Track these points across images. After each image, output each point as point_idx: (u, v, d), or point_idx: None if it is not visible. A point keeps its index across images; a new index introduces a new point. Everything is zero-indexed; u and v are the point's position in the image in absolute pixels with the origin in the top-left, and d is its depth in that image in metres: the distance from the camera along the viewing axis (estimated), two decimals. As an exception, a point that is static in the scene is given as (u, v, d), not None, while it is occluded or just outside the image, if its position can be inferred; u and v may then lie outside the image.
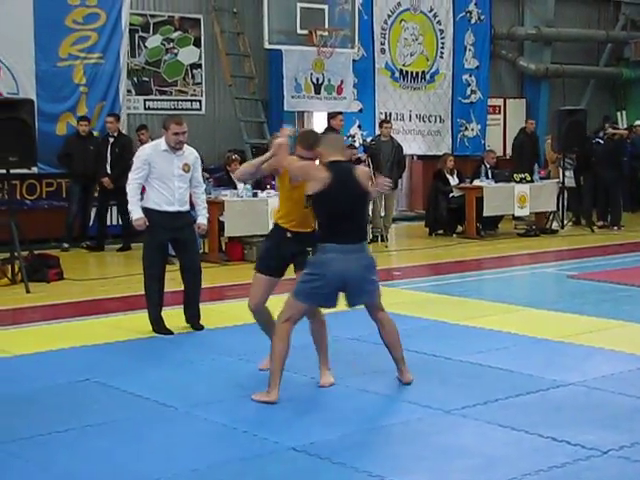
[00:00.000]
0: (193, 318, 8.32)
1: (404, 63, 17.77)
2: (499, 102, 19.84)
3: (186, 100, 15.52)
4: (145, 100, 15.11)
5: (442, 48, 18.24)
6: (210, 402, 5.95)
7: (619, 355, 7.07)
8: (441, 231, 15.50)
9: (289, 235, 6.34)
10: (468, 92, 18.64)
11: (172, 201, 7.95)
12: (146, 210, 7.95)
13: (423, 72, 18.04)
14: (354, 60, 16.49)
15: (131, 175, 8.00)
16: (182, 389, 6.28)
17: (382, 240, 14.55)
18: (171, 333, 8.04)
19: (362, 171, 6.20)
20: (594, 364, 6.83)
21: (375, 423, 5.53)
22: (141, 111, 14.98)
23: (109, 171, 13.38)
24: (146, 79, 15.11)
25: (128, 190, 7.98)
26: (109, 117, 13.65)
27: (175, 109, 15.27)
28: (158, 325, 8.08)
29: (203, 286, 10.51)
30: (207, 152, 14.61)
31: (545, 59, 20.07)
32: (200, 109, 15.68)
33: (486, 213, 14.99)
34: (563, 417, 5.57)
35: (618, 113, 20.49)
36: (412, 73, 17.90)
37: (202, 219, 8.32)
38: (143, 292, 8.18)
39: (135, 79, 14.96)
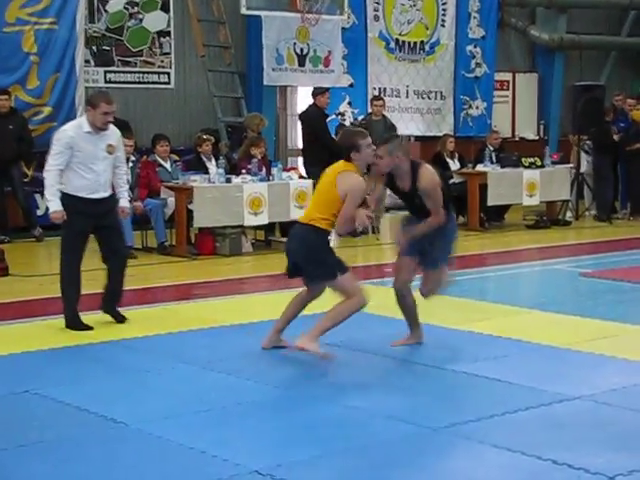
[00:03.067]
0: (113, 306, 8.38)
1: (400, 32, 17.70)
2: (507, 77, 19.79)
3: (153, 72, 15.44)
4: (106, 72, 15.03)
5: (443, 15, 18.18)
6: (166, 417, 5.87)
7: (633, 365, 7.01)
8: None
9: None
10: (472, 65, 18.59)
11: (97, 187, 8.06)
12: (66, 196, 8.00)
13: (422, 42, 17.99)
14: (343, 28, 16.43)
15: (50, 160, 8.02)
16: (135, 402, 6.19)
17: (373, 232, 14.48)
18: (90, 328, 8.08)
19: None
20: (604, 375, 6.76)
21: (352, 442, 5.45)
22: (101, 84, 14.88)
23: None
24: (107, 48, 15.03)
25: (46, 177, 8.02)
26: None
27: (140, 82, 15.21)
28: (74, 321, 8.14)
29: (168, 283, 10.50)
30: (176, 131, 14.60)
31: (560, 28, 20.01)
32: (168, 82, 15.60)
33: (490, 202, 14.92)
34: (566, 436, 5.50)
35: (642, 90, 20.44)
36: (409, 43, 17.85)
37: (124, 202, 8.46)
38: (62, 286, 8.24)
39: (94, 48, 14.88)
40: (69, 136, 7.97)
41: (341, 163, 7.11)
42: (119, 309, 8.49)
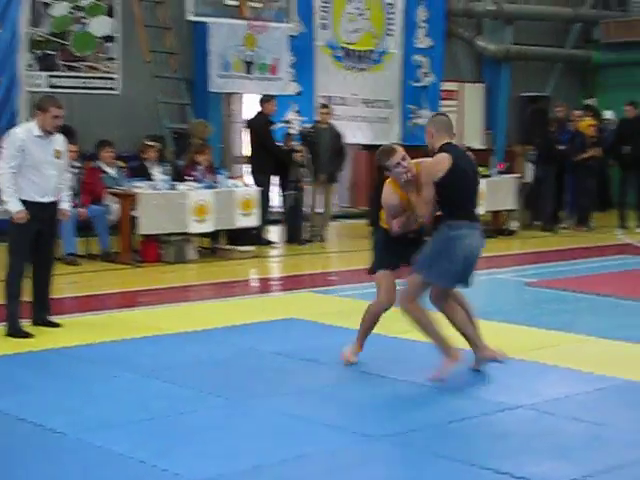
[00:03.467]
0: (45, 313, 8.41)
1: (348, 41, 17.72)
2: (455, 86, 19.91)
3: (98, 77, 15.29)
4: (50, 76, 14.85)
5: (391, 25, 18.23)
6: (107, 427, 5.80)
7: (576, 374, 7.07)
8: (387, 230, 15.45)
9: None
10: (420, 75, 18.66)
11: (45, 191, 8.18)
12: None
13: (369, 51, 18.02)
14: (291, 36, 16.39)
15: (3, 163, 8.06)
16: (75, 412, 6.11)
17: (320, 240, 14.50)
18: (31, 336, 8.05)
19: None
20: (546, 384, 6.81)
21: (295, 452, 5.42)
22: (45, 89, 14.64)
23: None
24: (51, 52, 14.84)
25: (2, 180, 8.06)
26: None
27: (85, 87, 15.07)
28: (16, 327, 8.12)
29: (112, 290, 10.42)
30: (122, 137, 14.44)
31: (506, 39, 20.18)
32: (114, 88, 15.47)
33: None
34: (508, 446, 5.52)
35: (587, 101, 20.64)
36: (357, 52, 17.87)
37: (66, 204, 8.52)
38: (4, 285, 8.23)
39: (38, 52, 14.68)
40: (20, 139, 8.06)
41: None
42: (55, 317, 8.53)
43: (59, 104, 8.17)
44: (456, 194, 6.78)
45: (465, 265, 6.82)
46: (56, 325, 8.43)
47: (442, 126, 6.96)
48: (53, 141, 8.20)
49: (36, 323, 8.42)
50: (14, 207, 8.05)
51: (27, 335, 8.07)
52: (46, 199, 8.18)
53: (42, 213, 8.15)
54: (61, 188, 8.42)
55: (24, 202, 8.07)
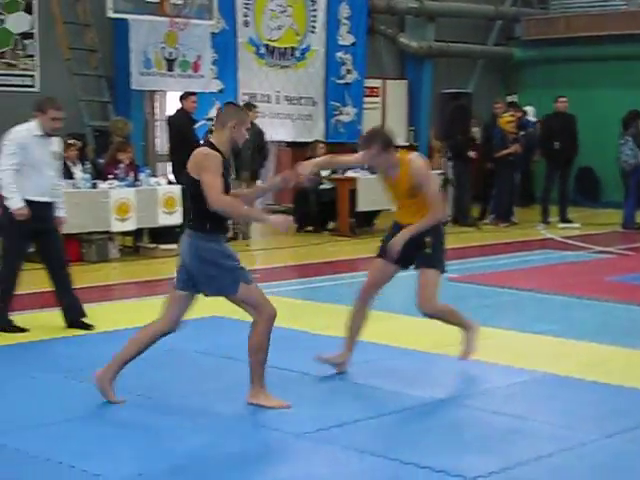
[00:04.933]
0: (77, 315, 8.42)
1: (270, 38, 17.68)
2: (378, 83, 19.96)
3: (16, 75, 15.04)
4: (-34, 74, 14.62)
5: (314, 22, 18.24)
6: (24, 428, 5.74)
7: (496, 368, 7.15)
8: (311, 227, 15.51)
9: None
10: (343, 72, 18.70)
11: (44, 191, 8.20)
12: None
13: (292, 48, 18.00)
14: (213, 33, 16.31)
15: (4, 160, 8.09)
16: (-10, 413, 6.03)
17: (243, 237, 14.46)
18: (25, 330, 8.17)
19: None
20: (467, 378, 6.89)
21: (215, 449, 5.42)
22: (-39, 86, 14.49)
23: None
24: (-34, 49, 14.61)
25: (3, 177, 8.07)
26: None
27: (3, 85, 14.81)
28: (8, 323, 8.23)
29: (31, 290, 10.28)
30: (41, 136, 14.22)
31: (428, 36, 20.29)
32: (33, 86, 15.23)
33: (360, 208, 15.04)
34: (428, 440, 5.57)
35: (509, 98, 20.85)
36: (280, 49, 17.84)
37: (63, 212, 8.54)
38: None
39: (-48, 49, 14.44)
40: (22, 136, 8.08)
41: None
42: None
43: (58, 106, 8.12)
44: None
45: None
46: (89, 327, 8.38)
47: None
48: (51, 143, 8.22)
49: (70, 325, 8.41)
50: (16, 204, 8.04)
51: (23, 330, 8.18)
52: (44, 199, 8.18)
53: (39, 212, 8.13)
54: (57, 193, 8.41)
55: (24, 201, 8.07)
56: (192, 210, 6.15)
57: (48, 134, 8.14)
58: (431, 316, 7.12)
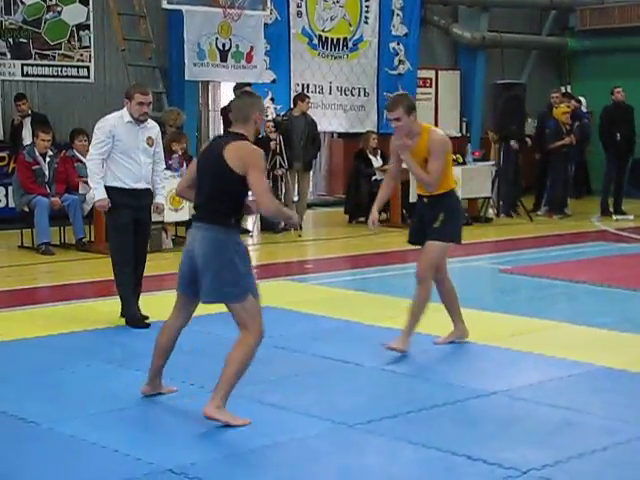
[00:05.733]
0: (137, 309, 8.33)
1: (323, 28, 17.67)
2: (430, 74, 19.88)
3: (72, 66, 15.21)
4: (23, 65, 14.76)
5: (367, 12, 18.19)
6: (79, 416, 5.78)
7: (549, 360, 7.08)
8: (362, 218, 15.44)
9: None
10: (396, 62, 18.64)
11: (139, 177, 8.11)
12: (109, 189, 8.04)
13: (345, 39, 17.97)
14: (266, 24, 16.34)
15: (92, 149, 8.07)
16: (47, 401, 6.09)
17: (295, 229, 14.47)
18: (147, 326, 8.01)
19: None
20: (520, 371, 6.82)
21: (268, 440, 5.41)
22: (18, 77, 14.63)
23: None
24: (24, 41, 14.74)
25: (90, 166, 8.08)
26: None
27: (59, 76, 14.97)
28: (134, 317, 8.14)
29: (86, 280, 10.35)
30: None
31: (482, 27, 20.16)
32: (88, 76, 15.38)
33: (412, 199, 14.95)
34: (481, 432, 5.53)
35: (562, 88, 20.65)
36: (333, 40, 17.83)
37: (161, 198, 8.52)
38: (113, 279, 8.35)
39: (10, 40, 14.59)
40: (111, 124, 8.00)
41: None
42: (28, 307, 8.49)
43: (144, 90, 8.04)
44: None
45: None
46: (146, 325, 8.11)
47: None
48: (146, 129, 8.11)
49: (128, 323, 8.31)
50: (97, 195, 8.05)
51: (146, 325, 8.05)
52: (140, 185, 8.09)
53: (137, 201, 8.08)
54: (155, 180, 8.34)
55: (117, 189, 8.01)
56: (215, 202, 5.68)
57: (138, 120, 8.01)
58: (420, 282, 7.31)
